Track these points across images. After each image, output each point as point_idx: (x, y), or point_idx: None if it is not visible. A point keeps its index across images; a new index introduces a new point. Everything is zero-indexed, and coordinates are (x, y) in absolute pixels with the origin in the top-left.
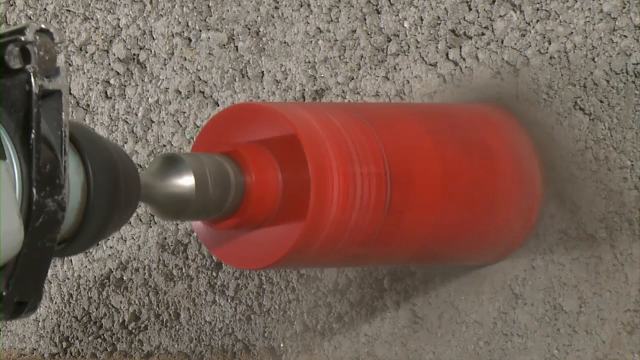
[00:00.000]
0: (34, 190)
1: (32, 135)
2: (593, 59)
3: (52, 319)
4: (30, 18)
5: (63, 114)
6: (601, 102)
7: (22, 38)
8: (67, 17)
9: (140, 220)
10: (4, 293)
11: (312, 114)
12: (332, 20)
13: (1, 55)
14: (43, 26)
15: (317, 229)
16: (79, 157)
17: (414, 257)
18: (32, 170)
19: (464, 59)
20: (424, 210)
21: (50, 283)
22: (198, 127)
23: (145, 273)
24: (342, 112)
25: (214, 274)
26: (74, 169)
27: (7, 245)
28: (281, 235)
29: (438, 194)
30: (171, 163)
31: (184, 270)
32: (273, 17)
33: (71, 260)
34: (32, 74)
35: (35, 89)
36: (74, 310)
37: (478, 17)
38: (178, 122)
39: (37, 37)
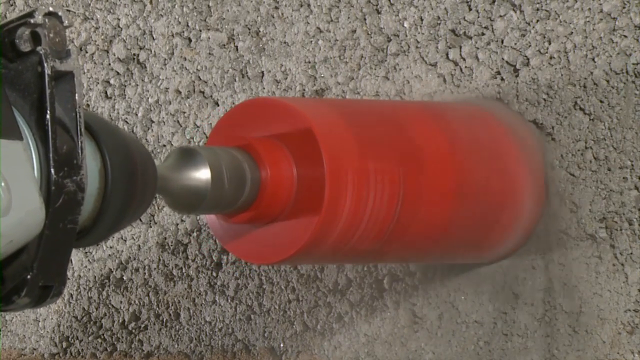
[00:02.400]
0: (52, 171)
1: (47, 116)
2: (593, 59)
3: (52, 319)
4: None
5: (76, 95)
6: (601, 102)
7: (32, 21)
8: (67, 17)
9: (140, 220)
10: (29, 276)
11: (327, 109)
12: (332, 20)
13: (11, 40)
14: (51, 9)
15: (331, 224)
16: (95, 143)
17: (423, 254)
18: (49, 151)
19: (464, 59)
20: (435, 207)
21: None
22: (198, 127)
23: (145, 273)
24: (356, 107)
25: (214, 274)
26: (90, 155)
27: (29, 223)
28: (296, 230)
29: (450, 192)
30: (188, 156)
31: (184, 270)
32: (273, 17)
33: (71, 260)
34: (43, 55)
35: (47, 70)
36: (74, 310)
37: (478, 17)
38: (178, 122)
39: (46, 20)
